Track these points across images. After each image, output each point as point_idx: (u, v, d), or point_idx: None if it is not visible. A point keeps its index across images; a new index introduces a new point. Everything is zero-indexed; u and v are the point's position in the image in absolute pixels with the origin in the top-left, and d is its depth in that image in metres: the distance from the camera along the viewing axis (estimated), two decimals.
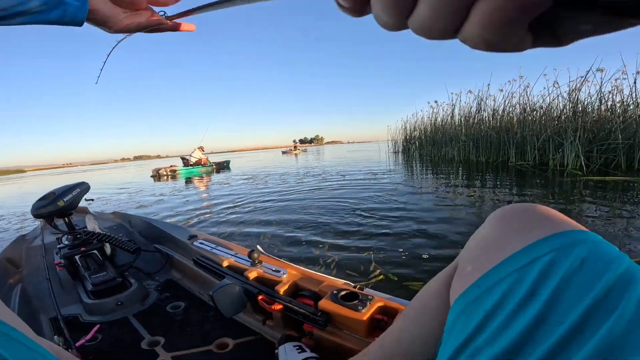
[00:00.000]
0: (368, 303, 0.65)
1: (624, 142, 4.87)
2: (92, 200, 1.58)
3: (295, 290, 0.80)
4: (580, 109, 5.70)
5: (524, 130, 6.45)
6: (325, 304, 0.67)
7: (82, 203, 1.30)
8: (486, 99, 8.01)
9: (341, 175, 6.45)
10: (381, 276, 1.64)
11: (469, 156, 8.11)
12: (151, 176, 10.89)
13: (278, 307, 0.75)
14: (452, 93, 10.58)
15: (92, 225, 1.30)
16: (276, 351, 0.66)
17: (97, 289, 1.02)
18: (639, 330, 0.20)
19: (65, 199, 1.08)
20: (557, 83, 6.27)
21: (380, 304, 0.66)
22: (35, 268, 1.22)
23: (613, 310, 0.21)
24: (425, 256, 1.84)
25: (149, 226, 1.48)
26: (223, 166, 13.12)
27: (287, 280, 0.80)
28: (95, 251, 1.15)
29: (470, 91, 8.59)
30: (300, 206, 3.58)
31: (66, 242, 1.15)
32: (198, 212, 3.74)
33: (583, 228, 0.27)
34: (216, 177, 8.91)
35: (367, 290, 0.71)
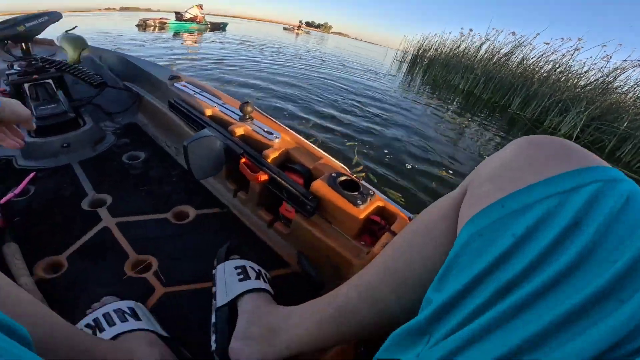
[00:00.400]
0: (369, 199, 0.54)
1: (624, 130, 4.84)
2: (75, 27, 1.17)
3: (286, 161, 0.67)
4: (610, 87, 5.42)
5: (540, 86, 6.15)
6: (319, 186, 0.55)
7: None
8: (525, 46, 7.40)
9: (342, 64, 5.87)
10: (363, 173, 1.53)
11: (473, 90, 7.85)
12: (136, 25, 9.44)
13: (263, 177, 0.60)
14: (493, 28, 9.51)
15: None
16: (214, 271, 0.53)
17: (42, 123, 0.83)
18: None
19: (27, 25, 0.86)
20: (609, 57, 5.76)
21: (380, 203, 0.55)
22: None
23: None
24: (408, 166, 1.74)
25: (123, 62, 1.21)
26: (219, 27, 11.77)
27: (279, 146, 0.66)
28: (49, 80, 0.93)
29: (513, 33, 7.82)
30: (292, 79, 3.25)
31: (18, 68, 0.93)
32: (181, 62, 3.27)
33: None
34: (208, 35, 8.06)
35: (365, 183, 0.59)
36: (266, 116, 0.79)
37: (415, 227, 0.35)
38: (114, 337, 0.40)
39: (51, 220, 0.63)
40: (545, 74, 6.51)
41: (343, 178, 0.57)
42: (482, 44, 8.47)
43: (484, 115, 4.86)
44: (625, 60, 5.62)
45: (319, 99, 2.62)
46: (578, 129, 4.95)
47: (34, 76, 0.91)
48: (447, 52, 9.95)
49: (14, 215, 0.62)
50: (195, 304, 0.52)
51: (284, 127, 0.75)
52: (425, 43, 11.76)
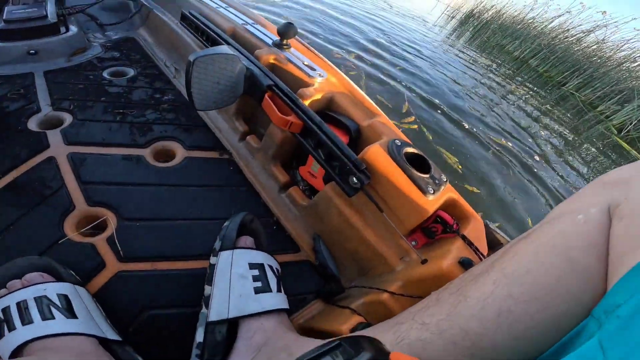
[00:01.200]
0: (442, 187, 0.39)
1: None
2: None
3: (327, 109, 0.49)
4: None
5: (609, 71, 5.56)
6: (376, 154, 0.38)
7: None
8: (608, 27, 6.52)
9: (387, 4, 5.30)
10: (415, 125, 1.35)
11: (528, 59, 7.18)
12: None
13: (296, 122, 0.42)
14: (581, 2, 8.25)
15: None
16: (213, 260, 0.34)
17: (9, 27, 0.64)
18: None
19: None
20: None
21: (452, 195, 0.40)
22: None
23: None
24: (466, 125, 1.57)
25: None
26: None
27: (321, 88, 0.48)
28: None
29: (604, 12, 6.86)
30: (333, 9, 2.88)
31: None
32: None
33: None
34: None
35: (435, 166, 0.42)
36: (309, 49, 0.60)
37: (550, 257, 0.23)
38: (21, 345, 0.25)
39: None
40: (619, 60, 5.81)
41: (410, 149, 0.40)
42: (559, 15, 7.39)
43: (531, 85, 4.45)
44: None
45: (365, 30, 2.39)
46: (632, 122, 4.48)
47: None
48: (511, 16, 8.92)
49: None
50: (168, 296, 0.35)
51: (332, 65, 0.56)
52: (485, 3, 10.52)
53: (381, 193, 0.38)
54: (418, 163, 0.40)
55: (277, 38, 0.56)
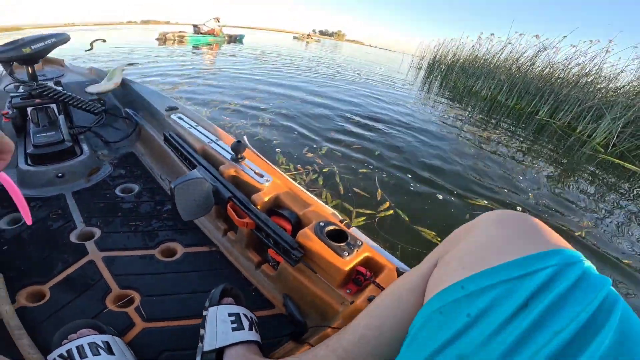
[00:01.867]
0: (355, 250, 0.54)
1: None
2: (133, 64, 1.25)
3: (275, 206, 0.67)
4: None
5: (570, 91, 5.88)
6: (306, 235, 0.55)
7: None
8: (549, 49, 7.11)
9: (357, 74, 5.79)
10: (391, 211, 1.39)
11: (497, 96, 7.59)
12: (156, 39, 9.79)
13: (249, 223, 0.61)
14: (516, 32, 9.20)
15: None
16: (204, 312, 0.51)
17: (38, 152, 0.84)
18: (622, 351, 0.21)
19: (33, 47, 0.88)
20: None
21: (367, 253, 0.55)
22: None
23: (597, 333, 0.22)
24: (440, 197, 1.61)
25: (127, 88, 1.24)
26: (235, 39, 12.40)
27: (268, 191, 0.67)
28: (52, 105, 0.95)
29: (537, 36, 7.56)
30: (308, 95, 3.17)
31: (22, 91, 0.95)
32: (191, 81, 3.26)
33: (572, 248, 0.27)
34: (225, 48, 8.29)
35: (355, 232, 0.60)
36: (259, 156, 0.79)
37: (387, 298, 0.37)
38: None
39: (39, 250, 0.65)
40: (574, 78, 6.22)
41: (331, 227, 0.57)
42: (505, 47, 8.18)
43: (507, 122, 4.64)
44: None
45: (335, 120, 2.53)
46: (615, 136, 4.62)
47: (37, 100, 0.92)
48: (467, 57, 9.72)
49: (2, 244, 0.64)
50: (177, 342, 0.53)
51: (276, 169, 0.75)
52: (442, 49, 11.56)
53: (314, 260, 0.54)
54: (339, 235, 0.56)
55: (234, 153, 0.74)
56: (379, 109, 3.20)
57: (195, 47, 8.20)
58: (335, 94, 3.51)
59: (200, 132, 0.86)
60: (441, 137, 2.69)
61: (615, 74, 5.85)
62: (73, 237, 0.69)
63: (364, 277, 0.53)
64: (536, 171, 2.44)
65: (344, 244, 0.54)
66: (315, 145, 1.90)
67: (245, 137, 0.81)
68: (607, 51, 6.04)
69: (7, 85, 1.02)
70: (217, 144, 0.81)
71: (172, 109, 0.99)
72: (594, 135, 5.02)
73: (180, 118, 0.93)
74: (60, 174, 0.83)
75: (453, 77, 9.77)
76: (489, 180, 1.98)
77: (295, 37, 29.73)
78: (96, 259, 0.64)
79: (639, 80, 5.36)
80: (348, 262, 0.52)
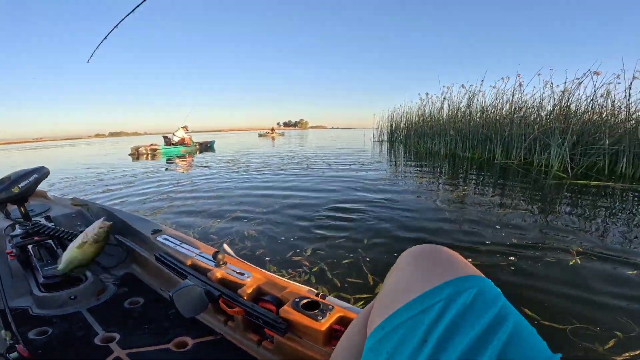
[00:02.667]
0: (328, 313, 0.66)
1: (610, 148, 4.95)
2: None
3: (258, 295, 0.79)
4: (571, 111, 5.75)
5: (511, 129, 6.51)
6: (286, 311, 0.68)
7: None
8: (477, 94, 8.05)
9: (326, 164, 6.26)
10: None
11: (455, 151, 8.22)
12: (129, 154, 10.36)
13: (239, 311, 0.75)
14: (444, 86, 10.52)
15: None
16: None
17: (48, 282, 0.98)
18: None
19: (20, 185, 1.03)
20: (552, 84, 6.27)
21: (340, 314, 0.66)
22: None
23: (486, 348, 0.24)
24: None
25: (110, 216, 1.37)
26: (207, 147, 12.73)
27: (250, 284, 0.80)
28: (50, 241, 1.10)
29: (462, 86, 8.59)
30: (283, 197, 3.35)
31: (19, 231, 1.09)
32: (170, 200, 3.44)
33: (474, 272, 0.31)
34: (198, 159, 8.59)
35: (329, 299, 0.71)
36: (238, 259, 0.93)
37: (342, 340, 0.42)
38: None
39: (70, 354, 0.76)
40: (507, 115, 6.91)
41: (305, 300, 0.70)
42: (442, 102, 9.15)
43: (473, 174, 4.99)
44: (565, 82, 5.99)
45: (313, 217, 2.67)
46: (568, 161, 5.06)
47: (35, 238, 1.06)
48: (417, 121, 10.80)
49: (37, 351, 0.76)
50: None
51: (254, 266, 0.89)
52: (394, 116, 12.85)
53: (298, 328, 0.66)
54: (311, 305, 0.68)
55: (215, 261, 0.87)
56: (354, 193, 3.39)
57: (169, 160, 8.37)
58: (311, 187, 3.73)
59: (185, 248, 1.01)
60: (420, 208, 2.86)
61: (538, 103, 6.54)
62: (97, 341, 0.79)
63: (339, 333, 0.64)
64: (518, 215, 2.58)
65: (317, 310, 0.66)
66: (299, 249, 1.96)
67: (225, 246, 0.94)
68: (520, 84, 6.86)
69: (6, 227, 1.17)
70: (201, 256, 0.95)
71: (156, 231, 1.14)
72: (550, 164, 5.47)
73: (165, 239, 1.08)
74: (72, 296, 0.95)
75: (412, 142, 10.70)
76: (477, 238, 2.06)
77: (260, 135, 29.28)
78: (122, 355, 0.75)
79: (559, 103, 5.96)
80: (323, 323, 0.63)
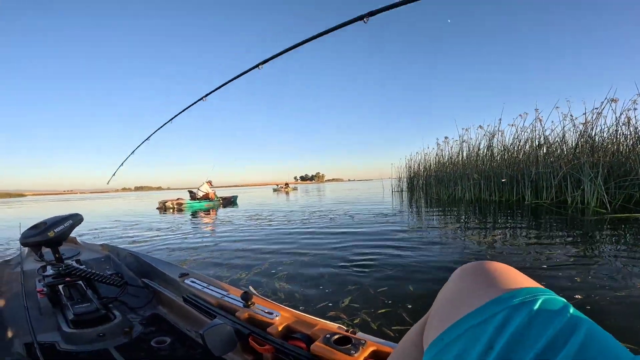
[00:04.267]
0: (361, 347, 0.64)
1: None
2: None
3: (288, 333, 0.78)
4: (597, 141, 5.57)
5: (538, 168, 6.29)
6: (318, 347, 0.66)
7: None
8: (497, 134, 7.84)
9: (349, 216, 6.22)
10: None
11: (480, 195, 7.92)
12: (157, 208, 10.81)
13: (269, 349, 0.74)
14: (462, 129, 10.34)
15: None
16: None
17: (78, 319, 1.01)
18: None
19: (56, 230, 1.08)
20: (572, 115, 6.15)
21: (373, 348, 0.65)
22: (13, 293, 1.20)
23: (559, 353, 0.24)
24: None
25: (138, 260, 1.45)
26: (230, 201, 12.87)
27: (279, 323, 0.79)
28: (80, 282, 1.15)
29: (480, 127, 8.42)
30: (309, 249, 3.31)
31: (51, 272, 1.14)
32: (196, 252, 3.50)
33: (535, 284, 0.32)
34: (222, 213, 8.77)
35: (360, 334, 0.70)
36: (266, 299, 0.93)
37: (396, 354, 0.42)
38: None
39: None
40: (532, 153, 6.71)
41: (337, 336, 0.68)
42: (461, 144, 8.97)
43: (504, 219, 4.76)
44: (584, 113, 5.83)
45: (346, 273, 2.60)
46: (605, 196, 4.78)
47: (67, 279, 1.10)
48: (435, 167, 10.65)
49: None
50: None
51: (282, 306, 0.88)
52: (411, 164, 12.67)
53: None
54: (345, 340, 0.67)
55: (244, 301, 0.88)
56: (379, 248, 3.30)
57: (194, 214, 8.50)
58: (335, 243, 3.65)
59: (213, 290, 1.02)
60: (450, 258, 2.73)
61: (560, 137, 6.36)
62: None
63: None
64: (562, 254, 2.39)
65: (349, 345, 0.65)
66: (334, 300, 1.87)
67: (251, 287, 0.95)
68: (539, 120, 6.74)
69: (38, 269, 1.21)
70: (229, 297, 0.96)
71: (184, 274, 1.17)
72: (585, 201, 5.16)
73: (193, 282, 1.11)
74: (101, 334, 0.96)
75: (433, 190, 10.47)
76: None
77: (274, 190, 28.86)
78: None
79: (584, 135, 5.78)
80: (357, 357, 0.62)
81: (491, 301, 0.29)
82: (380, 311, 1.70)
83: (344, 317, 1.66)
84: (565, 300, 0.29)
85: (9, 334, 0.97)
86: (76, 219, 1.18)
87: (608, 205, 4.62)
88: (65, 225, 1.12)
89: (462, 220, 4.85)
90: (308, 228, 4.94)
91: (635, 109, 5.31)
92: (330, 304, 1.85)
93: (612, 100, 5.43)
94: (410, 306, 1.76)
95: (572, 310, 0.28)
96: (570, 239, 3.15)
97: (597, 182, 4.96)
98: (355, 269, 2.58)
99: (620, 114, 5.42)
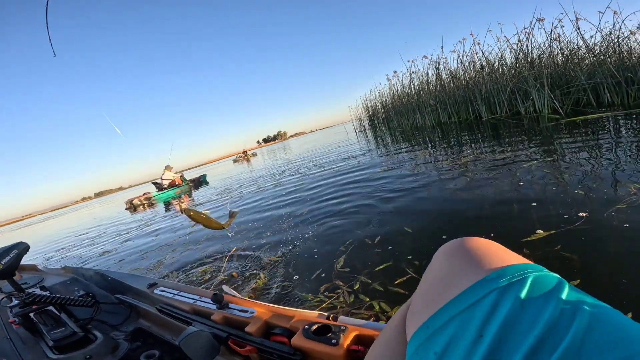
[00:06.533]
0: (342, 335, 0.63)
1: (588, 82, 5.03)
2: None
3: (267, 329, 0.77)
4: (534, 57, 5.91)
5: (486, 86, 6.60)
6: (298, 341, 0.65)
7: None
8: (441, 60, 8.13)
9: (320, 167, 6.10)
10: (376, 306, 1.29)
11: (439, 119, 8.23)
12: (126, 209, 10.06)
13: (251, 349, 0.72)
14: (408, 61, 10.64)
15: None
16: None
17: (58, 344, 0.99)
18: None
19: (3, 262, 1.06)
20: (505, 37, 6.49)
21: (356, 332, 0.64)
22: None
23: (559, 344, 0.21)
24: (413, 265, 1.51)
25: (104, 278, 1.41)
26: (200, 181, 12.46)
27: (256, 320, 0.78)
28: (50, 307, 1.11)
29: (425, 56, 8.67)
30: (290, 211, 3.18)
31: (16, 301, 1.11)
32: (172, 248, 3.22)
33: (522, 260, 0.29)
34: (194, 195, 8.45)
35: (342, 319, 0.69)
36: (239, 297, 0.91)
37: (378, 343, 0.39)
38: None
39: None
40: (474, 75, 7.06)
41: (315, 326, 0.67)
42: (411, 76, 9.26)
43: (468, 136, 4.93)
44: (516, 33, 6.05)
45: (327, 226, 2.52)
46: (555, 102, 5.05)
47: (34, 306, 1.07)
48: (391, 100, 10.84)
49: None
50: None
51: (256, 301, 0.87)
52: (368, 104, 12.88)
53: (314, 356, 0.63)
54: (323, 329, 0.66)
55: (216, 303, 0.87)
56: (359, 194, 3.25)
57: (167, 205, 8.05)
58: (314, 198, 3.57)
59: (184, 296, 1.02)
60: (432, 188, 2.73)
61: (499, 57, 6.65)
62: None
63: (360, 353, 0.60)
64: (532, 166, 2.47)
65: (330, 334, 0.64)
66: (327, 265, 1.78)
67: (224, 286, 0.95)
68: (477, 43, 7.01)
69: (2, 300, 1.17)
70: (201, 301, 0.95)
71: (152, 285, 1.17)
72: (537, 109, 5.47)
73: (162, 291, 1.11)
74: (88, 356, 0.93)
75: (395, 123, 10.70)
76: (497, 207, 1.91)
77: (234, 161, 26.14)
78: None
79: (519, 53, 6.11)
80: (339, 347, 0.61)
81: (476, 283, 0.27)
82: (378, 268, 1.61)
83: (342, 284, 1.55)
84: (558, 276, 0.27)
85: None
86: (21, 247, 1.16)
87: (561, 110, 4.89)
88: (10, 255, 1.10)
89: (429, 148, 4.94)
90: (283, 189, 4.76)
91: (563, 26, 5.67)
92: (324, 275, 1.71)
93: (539, 19, 5.67)
94: (410, 256, 1.70)
95: (567, 287, 0.25)
96: (533, 147, 3.28)
97: (543, 92, 5.22)
98: (340, 221, 2.50)
99: (551, 31, 5.72)
